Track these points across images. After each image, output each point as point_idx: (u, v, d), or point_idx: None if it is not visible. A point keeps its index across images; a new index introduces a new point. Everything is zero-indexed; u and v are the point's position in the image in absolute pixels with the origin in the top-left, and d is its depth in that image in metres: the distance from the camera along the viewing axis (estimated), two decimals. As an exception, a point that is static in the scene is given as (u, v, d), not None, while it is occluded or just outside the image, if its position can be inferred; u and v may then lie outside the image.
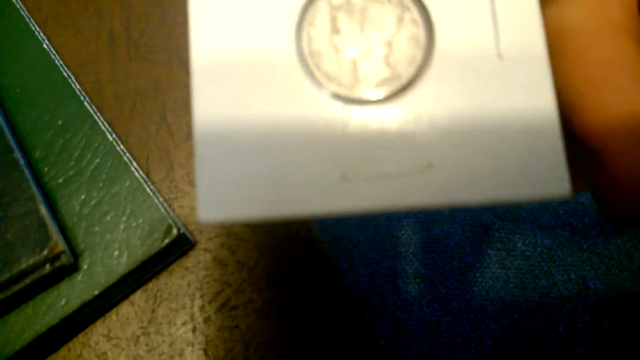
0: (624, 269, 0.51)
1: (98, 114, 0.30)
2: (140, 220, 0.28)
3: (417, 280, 0.52)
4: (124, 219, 0.29)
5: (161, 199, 0.30)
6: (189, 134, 0.34)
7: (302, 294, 0.26)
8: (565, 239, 0.53)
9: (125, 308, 0.30)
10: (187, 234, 0.29)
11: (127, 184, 0.29)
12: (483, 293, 0.51)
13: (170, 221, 0.28)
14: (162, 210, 0.28)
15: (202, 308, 0.29)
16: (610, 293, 0.50)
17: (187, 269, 0.30)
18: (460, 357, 0.47)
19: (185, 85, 0.35)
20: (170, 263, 0.30)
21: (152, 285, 0.31)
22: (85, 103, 0.31)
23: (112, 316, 0.29)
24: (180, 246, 0.29)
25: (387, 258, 0.53)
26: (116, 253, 0.29)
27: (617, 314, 0.49)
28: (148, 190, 0.27)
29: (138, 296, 0.30)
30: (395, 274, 0.52)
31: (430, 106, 0.11)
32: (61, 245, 0.25)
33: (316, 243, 0.27)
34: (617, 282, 0.50)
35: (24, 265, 0.24)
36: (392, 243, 0.54)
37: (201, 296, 0.30)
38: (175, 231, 0.28)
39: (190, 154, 0.33)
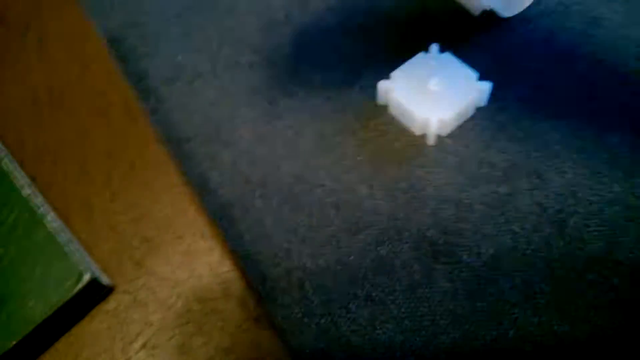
0: (569, 270, 0.52)
1: (17, 169, 0.31)
2: (54, 269, 0.29)
3: (369, 302, 0.52)
4: (39, 269, 0.29)
5: (75, 247, 0.31)
6: (108, 181, 0.35)
7: (223, 329, 0.27)
8: (508, 246, 0.54)
9: (48, 356, 0.31)
10: (104, 278, 0.30)
11: (42, 235, 0.30)
12: (433, 308, 0.51)
13: (82, 268, 0.29)
14: (76, 257, 0.29)
15: (123, 350, 0.30)
16: (557, 294, 0.51)
17: (107, 312, 0.31)
18: (417, 374, 0.48)
19: (104, 135, 0.37)
20: (91, 308, 0.31)
21: (74, 332, 0.32)
22: (2, 162, 0.32)
23: (38, 366, 0.29)
24: (97, 291, 0.29)
25: (339, 284, 0.54)
26: (31, 303, 0.29)
27: (565, 314, 0.50)
28: (63, 239, 0.28)
29: (62, 343, 0.31)
30: (348, 300, 0.53)
31: None
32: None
33: (239, 279, 0.27)
34: (562, 283, 0.51)
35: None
36: (342, 269, 0.54)
37: (122, 338, 0.30)
38: (87, 277, 0.29)
39: (110, 199, 0.34)
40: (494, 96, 0.66)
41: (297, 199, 0.59)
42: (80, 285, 0.28)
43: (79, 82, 0.36)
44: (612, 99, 0.64)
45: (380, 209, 0.58)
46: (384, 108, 0.66)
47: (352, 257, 0.55)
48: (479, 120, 0.64)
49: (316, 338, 0.51)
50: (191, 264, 0.30)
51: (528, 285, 0.52)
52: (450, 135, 0.63)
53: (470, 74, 0.64)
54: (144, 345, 0.29)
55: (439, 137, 0.63)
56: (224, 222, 0.59)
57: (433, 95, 0.63)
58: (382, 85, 0.64)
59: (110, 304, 0.30)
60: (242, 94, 0.69)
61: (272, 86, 0.69)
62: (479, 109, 0.65)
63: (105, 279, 0.29)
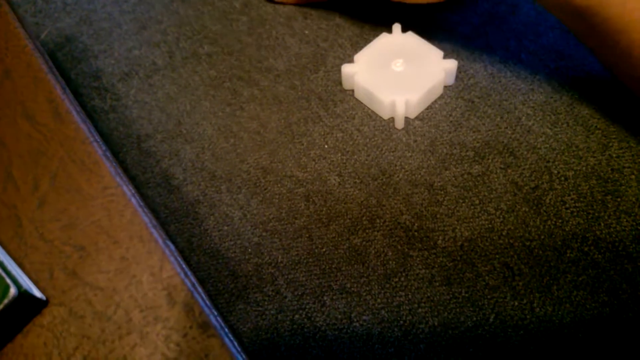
0: (547, 248, 0.50)
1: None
2: (-24, 286, 0.26)
3: (344, 294, 0.49)
4: (-40, 287, 0.26)
5: (2, 259, 0.28)
6: (36, 186, 0.32)
7: (168, 338, 0.24)
8: (484, 227, 0.52)
9: (-20, 381, 0.28)
10: (37, 291, 0.27)
11: (-37, 249, 0.26)
12: (410, 296, 0.49)
13: (8, 281, 0.26)
14: (2, 270, 0.26)
15: None
16: (536, 275, 0.49)
17: (42, 327, 0.28)
18: (396, 366, 0.45)
19: (30, 137, 0.33)
20: (24, 324, 0.27)
21: (7, 350, 0.28)
22: None
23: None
24: (29, 305, 0.26)
25: (312, 277, 0.51)
26: (-47, 324, 0.26)
27: (545, 295, 0.48)
28: None
29: None
30: (322, 292, 0.50)
31: None
32: None
33: (182, 283, 0.24)
34: (541, 263, 0.49)
35: None
36: (315, 262, 0.51)
37: (59, 353, 0.27)
38: (13, 291, 0.26)
39: (39, 206, 0.30)
40: (461, 74, 0.63)
41: (265, 191, 0.56)
42: (6, 300, 0.24)
43: (2, 86, 0.33)
44: (582, 69, 0.62)
45: (352, 197, 0.55)
46: (350, 93, 0.63)
47: (324, 249, 0.52)
48: (448, 99, 0.62)
49: (292, 334, 0.48)
50: (129, 270, 0.27)
51: (506, 267, 0.49)
52: (419, 117, 0.60)
53: (436, 53, 0.61)
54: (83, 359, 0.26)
55: (408, 120, 0.60)
56: (190, 220, 0.55)
57: (398, 76, 0.60)
58: (346, 69, 0.61)
59: (45, 317, 0.27)
60: (203, 86, 0.66)
61: (234, 77, 0.66)
62: (446, 88, 0.62)
63: (37, 292, 0.26)
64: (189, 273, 0.28)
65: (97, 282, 0.28)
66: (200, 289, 0.28)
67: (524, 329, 0.47)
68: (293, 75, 0.65)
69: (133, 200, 0.32)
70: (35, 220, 0.30)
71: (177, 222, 0.56)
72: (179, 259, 0.30)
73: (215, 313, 0.27)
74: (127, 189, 0.33)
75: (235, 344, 0.26)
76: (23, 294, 0.25)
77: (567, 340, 0.45)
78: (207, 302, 0.28)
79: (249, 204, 0.56)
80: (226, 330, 0.27)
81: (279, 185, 0.57)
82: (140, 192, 0.56)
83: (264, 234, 0.54)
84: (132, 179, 0.58)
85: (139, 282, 0.28)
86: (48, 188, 0.32)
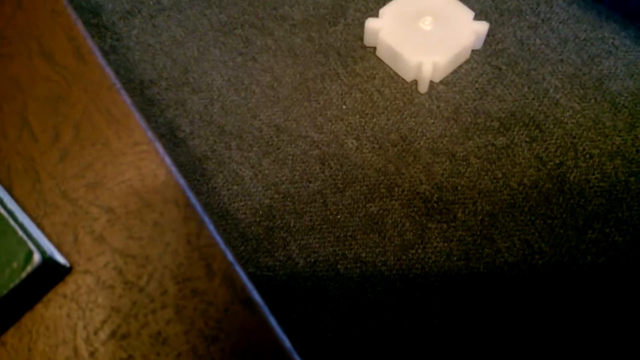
0: (568, 228, 0.49)
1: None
2: (-3, 249, 0.24)
3: (358, 264, 0.49)
4: (-23, 250, 0.24)
5: (22, 220, 0.25)
6: (57, 137, 0.29)
7: (206, 313, 0.23)
8: (505, 202, 0.51)
9: (-4, 351, 0.26)
10: (59, 256, 0.25)
11: (-21, 208, 0.24)
12: (426, 269, 0.48)
13: (31, 246, 0.24)
14: (21, 234, 0.24)
15: (87, 340, 0.25)
16: (556, 254, 0.48)
17: (65, 296, 0.26)
18: (409, 339, 0.45)
19: (49, 80, 0.30)
20: (45, 292, 0.25)
21: (25, 321, 0.26)
22: None
23: (-13, 361, 0.24)
24: (51, 272, 0.24)
25: (326, 245, 0.50)
26: (-29, 291, 0.24)
27: (564, 275, 0.48)
28: (3, 212, 0.23)
29: (10, 335, 0.26)
30: (336, 261, 0.49)
31: None
32: None
33: (222, 254, 0.23)
34: (562, 241, 0.49)
35: None
36: (329, 228, 0.50)
37: (85, 327, 0.25)
38: (37, 257, 0.24)
39: (61, 160, 0.28)
40: (490, 38, 0.61)
41: (278, 151, 0.54)
42: (29, 268, 0.22)
43: (14, 19, 0.29)
44: (613, 43, 0.60)
45: (369, 162, 0.53)
46: (372, 50, 0.60)
47: (339, 216, 0.51)
48: (474, 64, 0.59)
49: (303, 302, 0.47)
50: (164, 237, 0.25)
51: (526, 244, 0.49)
52: (444, 82, 0.58)
53: (467, 13, 0.58)
54: (112, 335, 0.24)
55: (432, 84, 0.58)
56: (197, 176, 0.53)
57: (426, 36, 0.57)
58: (370, 24, 0.58)
59: (69, 286, 0.25)
60: (212, 31, 0.62)
61: (246, 23, 0.62)
62: (473, 52, 0.60)
63: (60, 258, 0.24)
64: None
65: (127, 249, 0.26)
66: (237, 261, 0.26)
67: (541, 307, 0.47)
68: (310, 26, 0.62)
69: (167, 159, 0.30)
70: (56, 176, 0.27)
71: (183, 177, 0.53)
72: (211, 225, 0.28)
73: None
74: (160, 147, 0.30)
75: (277, 322, 0.25)
76: (47, 261, 0.23)
77: (585, 320, 0.46)
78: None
79: (261, 163, 0.54)
80: (268, 307, 0.25)
81: (292, 145, 0.55)
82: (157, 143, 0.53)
83: (275, 196, 0.52)
84: (148, 130, 0.55)
85: (174, 251, 0.26)
86: (71, 140, 0.29)
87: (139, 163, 0.28)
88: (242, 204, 0.52)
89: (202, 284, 0.25)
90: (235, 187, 0.53)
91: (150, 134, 0.29)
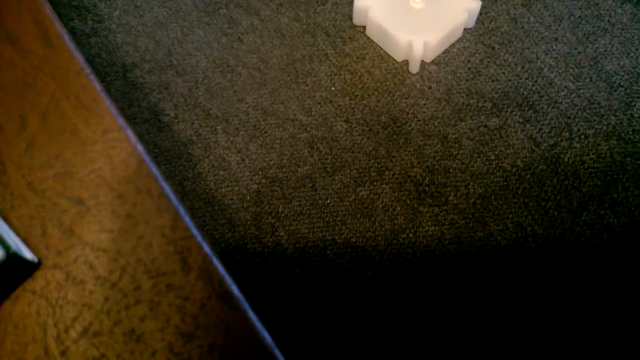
0: (562, 210, 0.49)
1: None
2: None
3: (348, 249, 0.48)
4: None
5: None
6: (23, 125, 0.28)
7: (182, 309, 0.22)
8: (498, 185, 0.50)
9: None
10: (27, 251, 0.24)
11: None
12: (418, 254, 0.47)
13: None
14: None
15: (57, 338, 0.24)
16: (550, 237, 0.48)
17: (34, 293, 0.24)
18: (402, 325, 0.44)
19: (14, 66, 0.29)
20: (12, 289, 0.24)
21: None
22: None
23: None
24: (18, 267, 0.23)
25: (315, 230, 0.49)
26: None
27: (558, 258, 0.47)
28: None
29: None
30: (325, 246, 0.48)
31: None
32: None
33: (198, 247, 0.22)
34: (556, 224, 0.48)
35: None
36: (318, 214, 0.49)
37: (55, 324, 0.24)
38: (0, 253, 0.23)
39: (27, 150, 0.27)
40: (483, 16, 0.59)
41: (266, 135, 0.53)
42: None
43: None
44: (609, 20, 0.59)
45: (359, 146, 0.52)
46: (361, 30, 0.59)
47: (329, 200, 0.50)
48: (467, 43, 0.58)
49: (292, 288, 0.47)
50: (137, 229, 0.24)
51: (519, 227, 0.48)
52: (435, 62, 0.57)
53: (459, -10, 0.57)
54: (84, 332, 0.23)
55: (423, 64, 0.57)
56: (182, 161, 0.52)
57: (417, 14, 0.56)
58: (359, 2, 0.56)
59: (38, 282, 0.24)
60: (196, 11, 0.60)
61: (231, 3, 0.61)
62: (466, 31, 0.59)
63: (27, 253, 0.23)
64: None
65: (98, 243, 0.25)
66: (215, 254, 0.25)
67: (535, 290, 0.46)
68: (298, 5, 0.61)
69: (139, 147, 0.28)
70: (22, 167, 0.26)
71: (168, 163, 0.52)
72: (187, 216, 0.27)
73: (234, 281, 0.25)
74: (132, 133, 0.29)
75: (257, 317, 0.24)
76: (12, 256, 0.22)
77: (579, 301, 0.45)
78: (225, 268, 0.25)
79: (248, 147, 0.53)
80: (248, 302, 0.25)
81: (280, 129, 0.53)
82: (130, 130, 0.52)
83: (263, 181, 0.51)
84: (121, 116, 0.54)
85: (148, 244, 0.25)
86: (37, 128, 0.28)
87: (110, 152, 0.27)
88: (229, 189, 0.51)
89: (177, 279, 0.24)
90: (221, 172, 0.52)
91: (121, 120, 0.28)
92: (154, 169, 0.27)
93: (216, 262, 0.25)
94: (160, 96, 0.56)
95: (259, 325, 0.24)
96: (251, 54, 0.58)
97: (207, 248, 0.25)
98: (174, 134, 0.54)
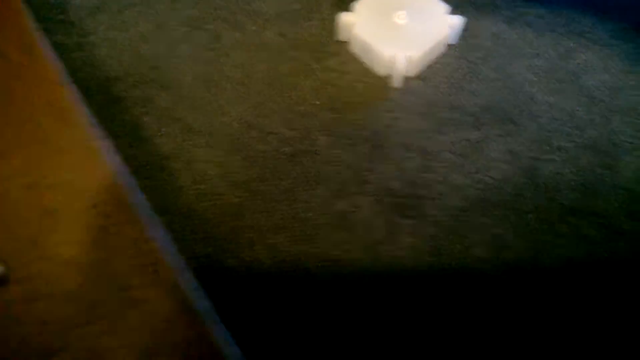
0: (542, 222, 0.50)
1: None
2: None
3: (328, 262, 0.49)
4: None
5: None
6: None
7: (147, 325, 0.23)
8: (478, 198, 0.52)
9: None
10: None
11: None
12: (397, 267, 0.49)
13: None
14: None
15: (17, 352, 0.24)
16: (529, 249, 0.49)
17: None
18: (380, 337, 0.46)
19: None
20: None
21: None
22: None
23: None
24: None
25: (296, 244, 0.50)
26: None
27: (537, 269, 0.49)
28: None
29: None
30: (305, 260, 0.50)
31: None
32: None
33: (168, 261, 0.23)
34: (535, 236, 0.50)
35: None
36: (299, 227, 0.51)
37: (8, 339, 0.24)
38: None
39: (0, 157, 0.28)
40: (466, 32, 0.62)
41: (249, 148, 0.55)
42: None
43: None
44: (590, 37, 0.61)
45: (341, 159, 0.54)
46: (345, 45, 0.61)
47: (309, 213, 0.51)
48: (450, 59, 0.60)
49: (270, 302, 0.48)
50: (107, 241, 0.25)
51: (498, 239, 0.50)
52: (418, 76, 0.59)
53: (441, 7, 0.59)
54: (48, 347, 0.24)
55: (406, 78, 0.59)
56: (163, 175, 0.54)
57: (400, 30, 0.58)
58: (343, 18, 0.59)
59: (2, 295, 0.25)
60: (182, 26, 0.63)
61: (218, 18, 0.63)
62: (450, 47, 0.61)
63: None
64: (179, 244, 0.26)
65: (65, 255, 0.26)
66: (185, 269, 0.26)
67: (514, 301, 0.48)
68: (283, 21, 0.63)
69: (115, 159, 0.30)
70: None
71: (149, 176, 0.54)
72: (161, 229, 0.29)
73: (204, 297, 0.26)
74: (108, 145, 0.31)
75: (226, 331, 0.25)
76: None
77: (557, 315, 0.47)
78: (195, 283, 0.26)
79: (229, 161, 0.54)
80: (216, 317, 0.26)
81: (263, 142, 0.55)
82: (107, 141, 0.54)
83: (245, 194, 0.53)
84: (99, 127, 0.56)
85: (118, 257, 0.26)
86: (11, 137, 0.29)
87: (84, 162, 0.28)
88: (210, 203, 0.53)
89: (144, 293, 0.25)
90: (203, 186, 0.53)
91: (98, 131, 0.29)
92: (129, 181, 0.28)
93: (186, 277, 0.26)
94: (143, 110, 0.58)
95: (226, 341, 0.25)
96: (236, 69, 0.60)
97: (177, 262, 0.27)
98: (155, 147, 0.56)
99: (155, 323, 0.21)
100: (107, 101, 0.57)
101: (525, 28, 0.62)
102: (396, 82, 0.58)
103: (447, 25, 0.58)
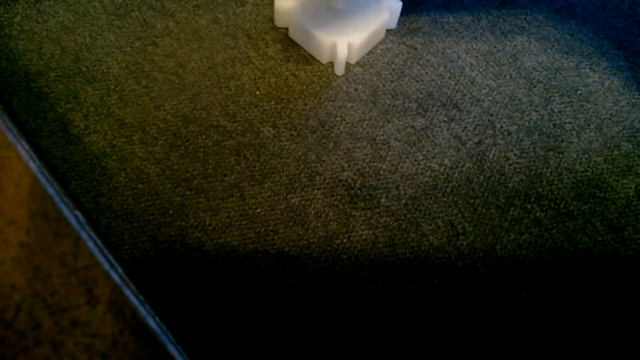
0: (490, 206, 0.51)
1: None
2: None
3: (282, 260, 0.47)
4: None
5: None
6: None
7: (90, 348, 0.20)
8: (428, 185, 0.51)
9: None
10: None
11: None
12: (353, 259, 0.48)
13: None
14: None
15: None
16: (480, 234, 0.50)
17: None
18: (338, 332, 0.45)
19: None
20: None
21: None
22: None
23: None
24: None
25: (246, 242, 0.48)
26: None
27: (489, 255, 0.49)
28: None
29: None
30: (257, 258, 0.48)
31: None
32: None
33: (105, 276, 0.20)
34: (485, 220, 0.50)
35: None
36: (248, 224, 0.49)
37: None
38: None
39: None
40: (404, 17, 0.61)
41: (188, 143, 0.52)
42: None
43: None
44: (525, 18, 0.63)
45: (288, 151, 0.52)
46: (284, 31, 0.59)
47: (259, 210, 0.49)
48: (390, 44, 0.60)
49: (223, 306, 0.46)
50: (32, 259, 0.22)
51: (451, 226, 0.50)
52: (360, 63, 0.58)
53: (381, -9, 0.58)
54: None
55: (348, 66, 0.57)
56: (95, 176, 0.50)
57: (339, 15, 0.56)
58: (281, 3, 0.56)
59: None
60: (105, 15, 0.58)
61: (144, 5, 0.59)
62: (388, 32, 0.60)
63: None
64: (112, 259, 0.23)
65: None
66: (128, 282, 0.23)
67: (468, 290, 0.48)
68: (216, 6, 0.60)
69: (32, 164, 0.26)
70: None
71: (80, 178, 0.50)
72: (98, 241, 0.26)
73: (152, 312, 0.23)
74: (24, 149, 0.27)
75: (181, 350, 0.23)
76: None
77: (510, 301, 0.47)
78: (140, 296, 0.24)
79: (168, 158, 0.51)
80: (169, 334, 0.23)
81: (203, 136, 0.52)
82: (32, 142, 0.49)
83: (187, 192, 0.50)
84: (21, 126, 0.51)
85: (46, 276, 0.23)
86: None
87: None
88: (149, 203, 0.49)
89: (83, 314, 0.23)
90: (140, 185, 0.50)
91: (11, 136, 0.26)
92: (50, 190, 0.25)
93: (127, 293, 0.24)
94: (69, 106, 0.53)
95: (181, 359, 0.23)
96: (168, 58, 0.56)
97: (116, 277, 0.24)
98: (85, 146, 0.51)
99: (99, 345, 0.19)
100: (28, 98, 0.52)
101: (462, 11, 0.62)
102: (338, 70, 0.56)
103: (386, 9, 0.57)
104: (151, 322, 0.23)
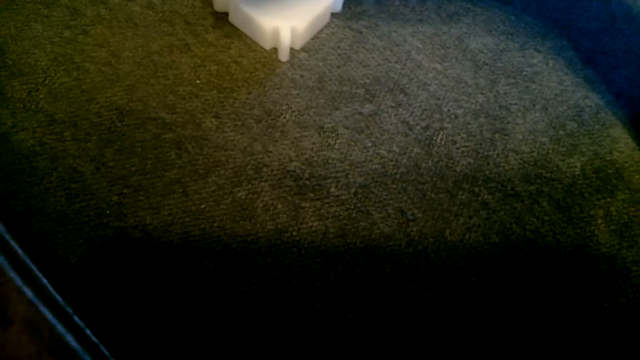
0: (439, 191, 0.50)
1: None
2: None
3: (229, 257, 0.46)
4: None
5: None
6: None
7: None
8: (377, 172, 0.51)
9: None
10: None
11: None
12: (303, 252, 0.47)
13: None
14: None
15: None
16: (430, 220, 0.49)
17: None
18: (292, 324, 0.43)
19: None
20: None
21: None
22: None
23: None
24: None
25: (191, 240, 0.46)
26: None
27: (439, 240, 0.49)
28: None
29: None
30: (203, 256, 0.46)
31: None
32: None
33: (18, 293, 0.18)
34: (434, 206, 0.50)
35: None
36: (192, 221, 0.47)
37: None
38: None
39: None
40: (349, 0, 0.60)
41: (124, 138, 0.49)
42: None
43: None
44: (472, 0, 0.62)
45: (233, 143, 0.50)
46: (223, 16, 0.57)
47: (203, 205, 0.47)
48: (335, 28, 0.58)
49: (167, 309, 0.44)
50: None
51: (401, 213, 0.49)
52: (305, 49, 0.56)
53: (323, -27, 0.57)
54: None
55: (292, 51, 0.56)
56: (25, 177, 0.47)
57: (282, -1, 0.55)
58: (219, -13, 0.54)
59: None
60: (32, 3, 0.54)
61: (72, -9, 0.55)
62: (333, 16, 0.59)
63: None
64: (35, 270, 0.21)
65: None
66: (54, 294, 0.21)
67: (419, 276, 0.48)
68: (150, -8, 0.57)
69: None
70: None
71: (8, 180, 0.47)
72: (16, 247, 0.23)
73: (82, 325, 0.21)
74: None
75: None
76: None
77: (461, 285, 0.47)
78: (68, 309, 0.22)
79: (103, 154, 0.48)
80: (96, 349, 0.22)
81: (140, 130, 0.50)
82: (-49, 143, 0.45)
83: (125, 191, 0.47)
84: (-63, 126, 0.47)
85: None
86: None
87: None
88: (84, 204, 0.46)
89: None
90: (73, 185, 0.47)
91: None
92: None
93: (44, 310, 0.22)
94: (-8, 102, 0.49)
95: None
96: (100, 48, 0.53)
97: (30, 293, 0.22)
98: (13, 145, 0.48)
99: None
100: (-59, 95, 0.48)
101: (407, -6, 0.61)
102: (282, 56, 0.54)
103: (330, -8, 0.56)
104: (71, 340, 0.21)
